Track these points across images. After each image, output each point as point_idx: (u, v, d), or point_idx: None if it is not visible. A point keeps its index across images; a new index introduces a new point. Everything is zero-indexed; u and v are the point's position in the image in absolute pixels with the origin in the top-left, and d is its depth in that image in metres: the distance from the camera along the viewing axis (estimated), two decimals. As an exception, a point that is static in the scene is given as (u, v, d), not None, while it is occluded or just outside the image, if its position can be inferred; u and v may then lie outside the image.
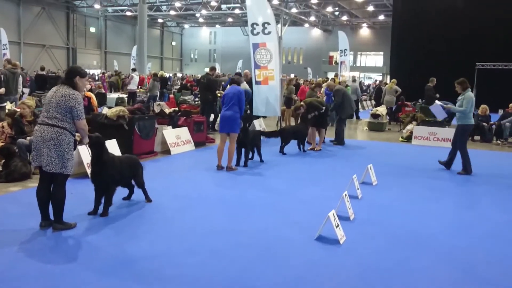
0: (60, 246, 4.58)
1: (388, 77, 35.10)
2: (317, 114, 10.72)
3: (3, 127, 7.99)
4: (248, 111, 11.94)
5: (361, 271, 4.22)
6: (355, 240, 4.96)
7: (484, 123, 13.68)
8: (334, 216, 4.85)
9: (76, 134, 5.05)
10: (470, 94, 8.55)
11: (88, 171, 7.25)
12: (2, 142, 7.58)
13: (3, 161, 7.22)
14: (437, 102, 10.00)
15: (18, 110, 8.44)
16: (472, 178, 8.45)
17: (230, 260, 4.35)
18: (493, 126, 13.68)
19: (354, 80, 20.37)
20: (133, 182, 6.11)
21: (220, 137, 8.54)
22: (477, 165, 9.09)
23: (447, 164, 9.00)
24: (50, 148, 4.75)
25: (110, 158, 5.55)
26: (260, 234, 5.09)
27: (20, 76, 11.14)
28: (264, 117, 14.42)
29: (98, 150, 5.42)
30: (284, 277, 4.03)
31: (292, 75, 33.47)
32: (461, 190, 7.53)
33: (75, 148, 5.02)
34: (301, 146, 10.69)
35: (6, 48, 24.93)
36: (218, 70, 42.31)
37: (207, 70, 13.95)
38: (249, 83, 13.51)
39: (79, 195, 6.10)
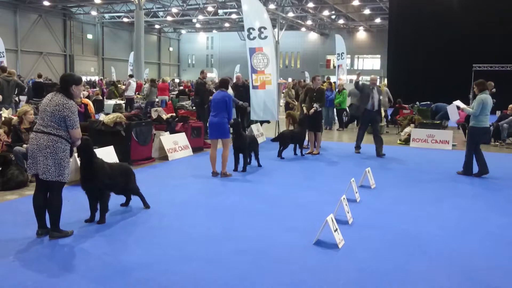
0: (57, 255, 4.54)
1: (385, 79, 35.16)
2: (317, 108, 10.48)
3: (0, 135, 7.97)
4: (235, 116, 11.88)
5: (360, 275, 4.19)
6: (354, 244, 4.93)
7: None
8: (332, 220, 4.82)
9: None
10: (482, 96, 8.34)
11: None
12: (-2, 150, 7.56)
13: (-1, 169, 7.18)
14: (454, 102, 9.76)
15: (15, 118, 8.42)
16: (471, 180, 8.44)
17: (228, 266, 4.31)
18: (491, 128, 13.67)
19: None
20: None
21: (211, 143, 8.48)
22: (475, 167, 9.07)
23: (482, 171, 8.61)
24: (47, 156, 4.72)
25: (100, 164, 5.49)
26: (258, 239, 5.06)
27: (16, 84, 11.07)
28: (268, 122, 14.37)
29: (86, 153, 5.37)
30: (282, 282, 4.00)
31: (289, 80, 33.53)
32: (459, 193, 7.51)
33: (71, 156, 4.99)
34: (299, 150, 10.67)
35: (3, 56, 24.87)
36: (215, 75, 42.36)
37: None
38: (241, 86, 13.51)
39: (75, 203, 6.06)
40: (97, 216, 5.51)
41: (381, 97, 10.92)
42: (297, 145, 10.68)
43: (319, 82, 10.88)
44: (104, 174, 5.48)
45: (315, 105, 10.46)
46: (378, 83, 33.63)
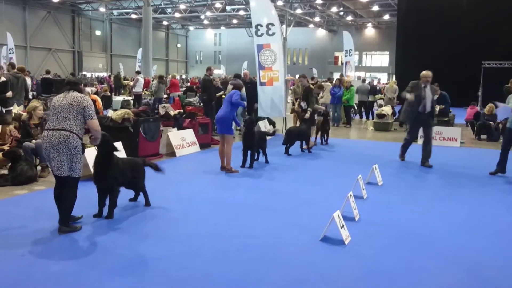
0: (65, 249, 4.59)
1: (394, 76, 34.96)
2: (304, 106, 10.57)
3: (10, 130, 8.07)
4: (246, 114, 11.89)
5: (366, 271, 4.20)
6: (360, 241, 4.94)
7: (491, 122, 13.59)
8: (339, 217, 4.83)
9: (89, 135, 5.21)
10: None
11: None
12: (8, 146, 7.64)
13: (9, 164, 7.26)
14: (503, 105, 9.39)
15: (24, 113, 8.50)
16: (479, 177, 8.39)
17: (234, 262, 4.34)
18: (500, 125, 13.58)
19: (363, 81, 20.29)
20: None
21: (220, 138, 8.63)
22: (483, 164, 9.05)
23: (501, 169, 8.42)
24: (60, 152, 4.80)
25: (115, 160, 5.58)
26: (264, 235, 5.09)
27: (26, 80, 11.15)
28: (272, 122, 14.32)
29: (105, 149, 5.46)
30: (289, 278, 4.02)
31: (297, 76, 33.47)
32: (466, 190, 7.47)
33: (83, 152, 5.03)
34: (306, 147, 10.69)
35: (13, 52, 25.11)
36: (223, 71, 42.36)
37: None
38: (248, 83, 13.51)
39: (83, 198, 6.08)
40: (105, 211, 5.56)
41: (435, 97, 9.25)
42: (303, 141, 10.69)
43: (304, 81, 10.95)
44: (117, 170, 5.57)
45: (301, 103, 10.64)
46: (383, 81, 32.60)
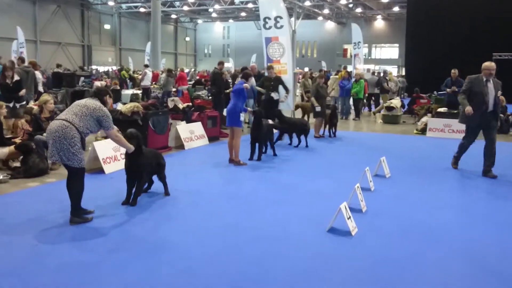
0: (77, 240, 4.67)
1: (404, 69, 34.74)
2: (274, 97, 10.67)
3: (22, 124, 8.19)
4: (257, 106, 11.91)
5: (372, 262, 4.24)
6: (367, 232, 4.97)
7: (501, 114, 13.46)
8: (345, 208, 4.87)
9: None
10: None
11: (104, 165, 7.41)
12: (20, 139, 7.77)
13: (21, 157, 7.38)
14: None
15: (36, 107, 8.62)
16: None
17: (242, 253, 4.39)
18: (510, 117, 13.49)
19: (373, 73, 20.18)
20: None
21: (229, 131, 8.68)
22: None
23: None
24: (55, 140, 4.90)
25: (144, 151, 5.84)
26: (272, 227, 5.13)
27: (36, 74, 11.26)
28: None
29: (137, 142, 5.67)
30: (295, 269, 4.07)
31: (306, 69, 33.35)
32: (474, 182, 7.46)
33: (83, 147, 5.08)
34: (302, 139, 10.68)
35: (23, 47, 25.31)
36: (231, 65, 42.36)
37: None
38: (256, 76, 13.54)
39: (92, 190, 6.19)
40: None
41: (499, 93, 7.79)
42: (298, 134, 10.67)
43: (272, 72, 10.98)
44: (147, 159, 5.87)
45: (272, 94, 10.67)
46: (400, 73, 32.05)
